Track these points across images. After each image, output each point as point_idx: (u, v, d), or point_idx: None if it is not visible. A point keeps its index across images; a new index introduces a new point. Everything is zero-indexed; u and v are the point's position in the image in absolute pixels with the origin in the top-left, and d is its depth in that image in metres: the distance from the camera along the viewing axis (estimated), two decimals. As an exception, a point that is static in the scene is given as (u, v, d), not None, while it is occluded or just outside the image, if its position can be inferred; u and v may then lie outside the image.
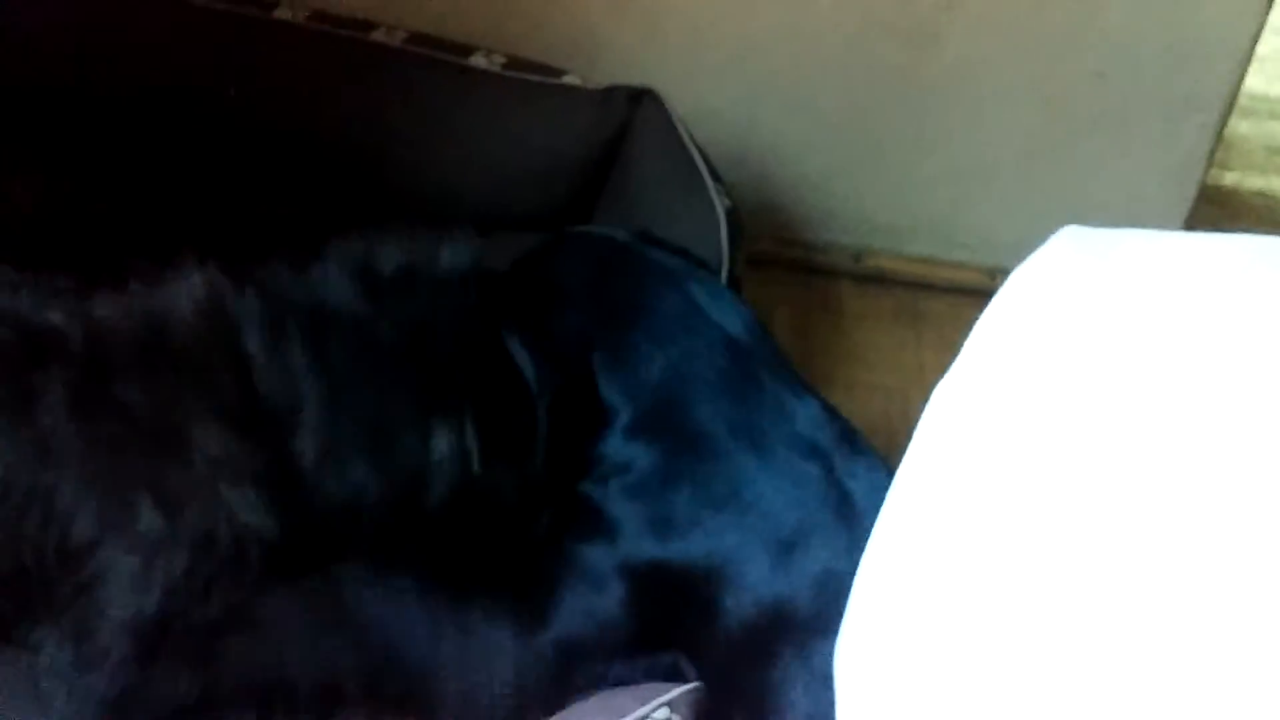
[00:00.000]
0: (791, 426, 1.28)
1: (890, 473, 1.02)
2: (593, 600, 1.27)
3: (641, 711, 1.10)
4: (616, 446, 1.30)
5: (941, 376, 0.98)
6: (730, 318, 1.35)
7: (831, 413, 1.31)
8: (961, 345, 0.98)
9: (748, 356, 1.32)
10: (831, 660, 1.15)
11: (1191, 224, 2.21)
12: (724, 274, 1.61)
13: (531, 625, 1.29)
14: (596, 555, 1.28)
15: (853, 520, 1.21)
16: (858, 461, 1.27)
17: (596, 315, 1.36)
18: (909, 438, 0.98)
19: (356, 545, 1.21)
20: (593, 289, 1.39)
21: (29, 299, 1.24)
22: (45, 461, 1.15)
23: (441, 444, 1.24)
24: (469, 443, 1.25)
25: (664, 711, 1.11)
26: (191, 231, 1.67)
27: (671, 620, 1.26)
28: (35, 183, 1.61)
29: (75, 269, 1.30)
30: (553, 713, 1.18)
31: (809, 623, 1.19)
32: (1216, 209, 2.39)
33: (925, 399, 0.98)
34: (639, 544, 1.26)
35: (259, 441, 1.18)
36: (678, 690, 1.13)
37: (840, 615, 1.14)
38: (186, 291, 1.24)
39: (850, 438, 1.30)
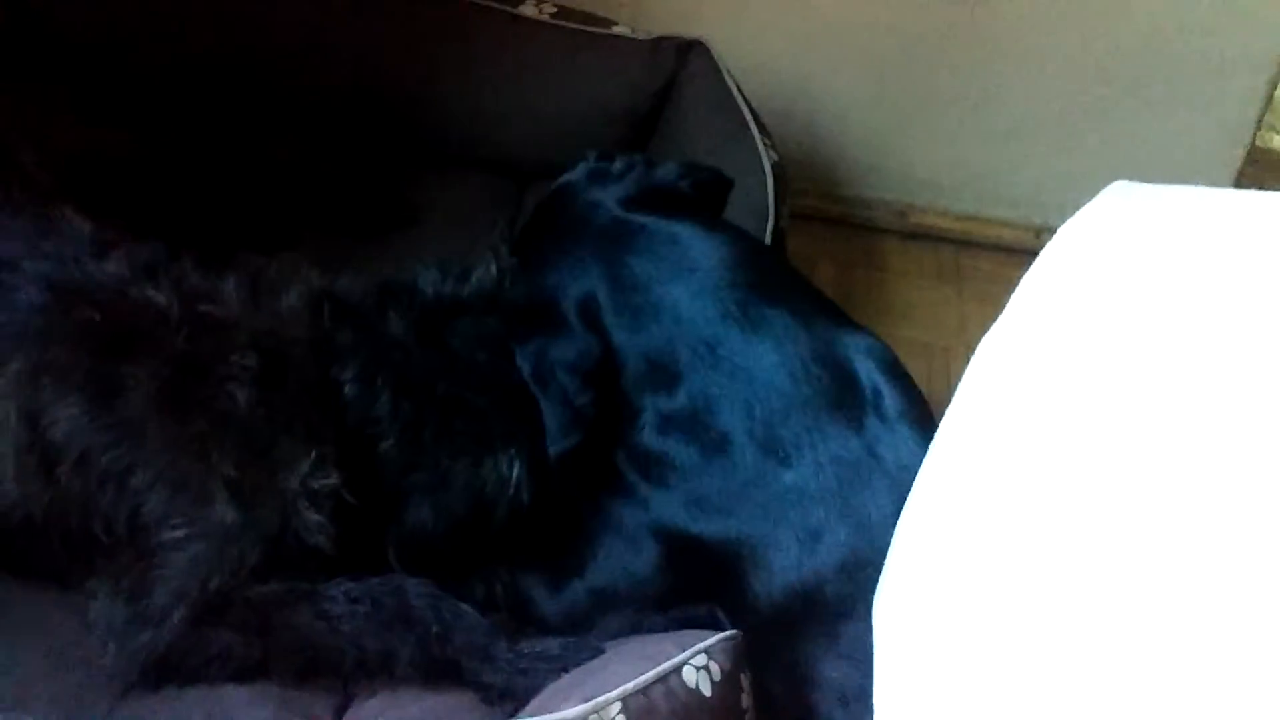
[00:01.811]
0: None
1: (929, 440, 1.02)
2: (628, 557, 1.30)
3: (680, 657, 1.11)
4: (650, 442, 1.30)
5: (984, 334, 0.98)
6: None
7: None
8: (1005, 303, 0.98)
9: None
10: (859, 641, 1.17)
11: (1239, 185, 2.19)
12: (769, 227, 1.61)
13: (567, 574, 1.32)
14: (632, 516, 1.30)
15: (882, 497, 1.22)
16: (892, 430, 1.25)
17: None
18: (950, 394, 0.98)
19: (417, 572, 1.25)
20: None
21: (120, 267, 1.27)
22: (126, 445, 1.18)
23: (492, 477, 1.28)
24: (518, 473, 1.29)
25: (702, 658, 1.12)
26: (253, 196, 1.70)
27: (703, 588, 1.28)
28: (112, 138, 1.64)
29: (165, 238, 1.33)
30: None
31: (835, 606, 1.20)
32: (1264, 171, 2.37)
33: (967, 356, 0.98)
34: (672, 516, 1.27)
35: (339, 468, 1.21)
36: (716, 638, 1.14)
37: (865, 598, 1.14)
38: (292, 312, 1.27)
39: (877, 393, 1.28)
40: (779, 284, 1.33)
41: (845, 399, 1.26)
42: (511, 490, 1.28)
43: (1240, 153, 2.19)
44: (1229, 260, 0.87)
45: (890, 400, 1.26)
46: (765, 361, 1.26)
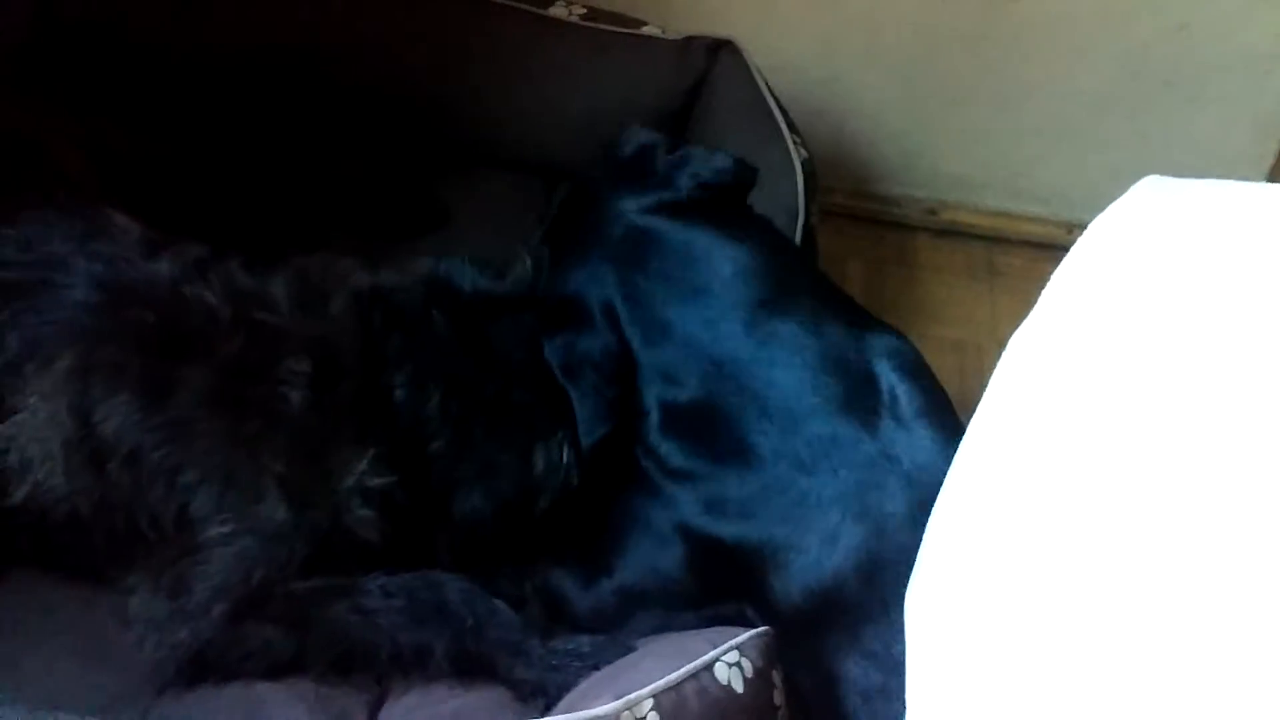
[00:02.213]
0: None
1: (948, 439, 1.02)
2: (655, 555, 1.31)
3: (712, 654, 1.11)
4: (659, 443, 1.31)
5: (1015, 331, 0.98)
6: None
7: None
8: (1036, 300, 0.98)
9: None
10: (880, 642, 1.18)
11: (1272, 181, 2.17)
12: (799, 224, 1.61)
13: (597, 572, 1.33)
14: (658, 515, 1.30)
15: (898, 498, 1.22)
16: (908, 431, 1.26)
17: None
18: (981, 392, 0.98)
19: (463, 562, 1.27)
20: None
21: (171, 268, 1.28)
22: (177, 443, 1.20)
23: (541, 463, 1.30)
24: (567, 457, 1.31)
25: (734, 654, 1.12)
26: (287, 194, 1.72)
27: (729, 588, 1.29)
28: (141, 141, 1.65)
29: (209, 237, 1.35)
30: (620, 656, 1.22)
31: (855, 608, 1.21)
32: (1298, 168, 2.36)
33: (999, 353, 0.98)
34: (693, 516, 1.28)
35: (392, 468, 1.23)
36: (747, 635, 1.15)
37: (884, 599, 1.17)
38: (341, 316, 1.29)
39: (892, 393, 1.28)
40: (796, 291, 1.34)
41: (861, 403, 1.26)
42: (563, 474, 1.30)
43: (1273, 148, 2.18)
44: (1262, 254, 0.87)
45: (907, 401, 1.26)
46: (774, 378, 1.27)
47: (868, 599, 1.20)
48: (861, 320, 1.34)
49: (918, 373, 1.30)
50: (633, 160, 1.46)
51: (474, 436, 1.27)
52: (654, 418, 1.31)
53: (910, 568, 1.03)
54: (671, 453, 1.29)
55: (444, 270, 1.35)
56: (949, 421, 1.25)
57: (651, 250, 1.34)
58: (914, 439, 1.24)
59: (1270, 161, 2.19)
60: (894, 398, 1.27)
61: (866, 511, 1.21)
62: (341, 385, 1.24)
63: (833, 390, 1.26)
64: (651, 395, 1.31)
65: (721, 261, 1.32)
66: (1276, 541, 0.73)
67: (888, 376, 1.28)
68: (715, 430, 1.28)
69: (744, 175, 1.45)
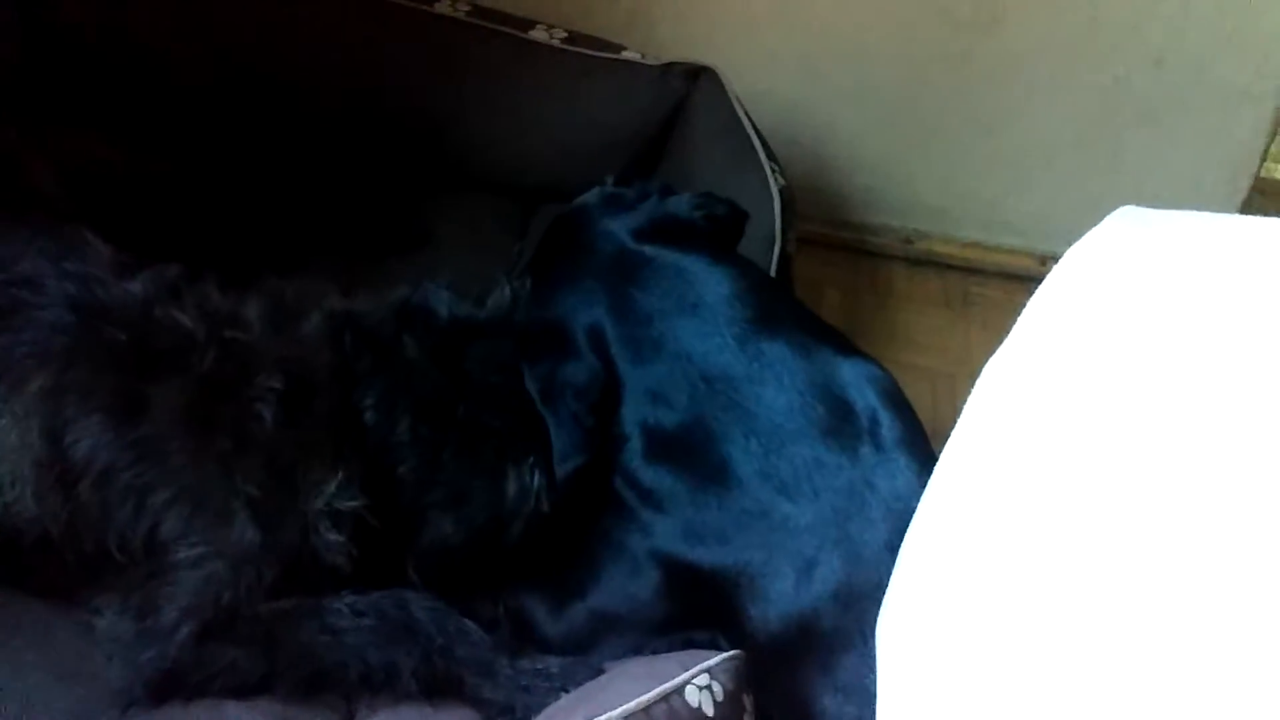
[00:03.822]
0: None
1: (925, 469, 1.02)
2: (628, 580, 1.30)
3: (684, 677, 1.11)
4: (639, 468, 1.30)
5: (988, 360, 0.98)
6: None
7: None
8: (1010, 331, 0.98)
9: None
10: (854, 673, 1.17)
11: (1245, 214, 2.19)
12: (776, 252, 1.61)
13: (569, 595, 1.32)
14: (633, 541, 1.30)
15: (877, 527, 1.21)
16: (888, 459, 1.25)
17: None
18: (954, 421, 0.98)
19: (435, 585, 1.27)
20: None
21: (145, 288, 1.28)
22: (148, 462, 1.19)
23: (513, 487, 1.29)
24: (538, 481, 1.30)
25: (705, 678, 1.12)
26: (268, 216, 1.72)
27: (703, 615, 1.28)
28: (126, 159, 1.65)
29: (188, 257, 1.34)
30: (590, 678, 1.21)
31: (831, 637, 1.20)
32: (1270, 201, 2.38)
33: (972, 383, 0.98)
34: (669, 543, 1.27)
35: (363, 491, 1.22)
36: (719, 658, 1.14)
37: (861, 629, 1.16)
38: (314, 337, 1.28)
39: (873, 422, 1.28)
40: (781, 316, 1.34)
41: (842, 429, 1.26)
42: (533, 500, 1.29)
43: (1246, 183, 2.20)
44: (1235, 285, 0.87)
45: (888, 429, 1.26)
46: (763, 396, 1.27)
47: (845, 628, 1.19)
48: (844, 347, 1.34)
49: (897, 402, 1.29)
50: (623, 191, 1.46)
51: (444, 460, 1.26)
52: (635, 444, 1.30)
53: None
54: (652, 478, 1.29)
55: (420, 296, 1.35)
56: (927, 452, 1.25)
57: (644, 268, 1.34)
58: (893, 468, 1.24)
59: (1243, 195, 2.21)
60: (875, 425, 1.26)
61: (845, 539, 1.21)
62: (313, 404, 1.23)
63: (817, 414, 1.26)
64: (633, 420, 1.30)
65: (714, 281, 1.32)
66: (1244, 574, 0.73)
67: (869, 404, 1.28)
68: (698, 453, 1.27)
69: (736, 218, 1.46)
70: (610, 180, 1.48)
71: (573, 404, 1.29)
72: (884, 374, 1.32)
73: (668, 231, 1.39)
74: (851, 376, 1.29)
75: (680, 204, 1.42)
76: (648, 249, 1.36)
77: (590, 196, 1.47)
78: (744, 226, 1.48)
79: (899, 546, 1.04)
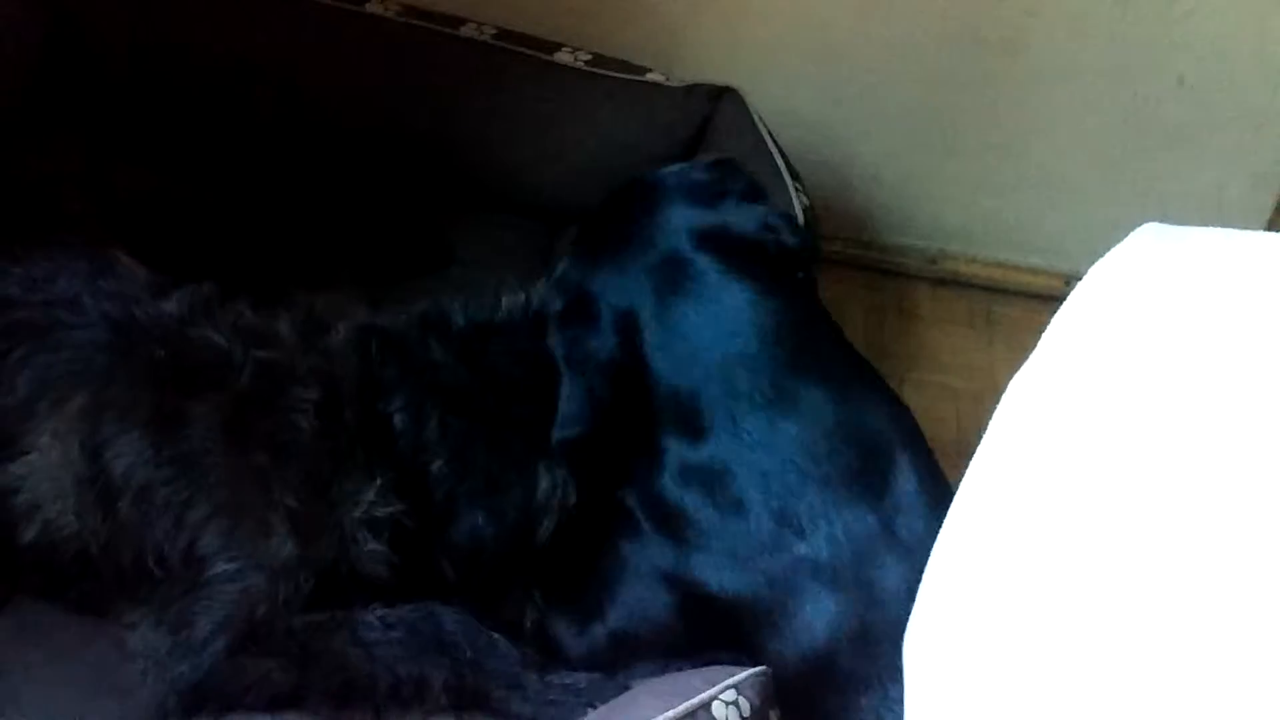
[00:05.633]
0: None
1: (942, 514, 1.02)
2: (644, 602, 1.31)
3: (709, 693, 1.11)
4: (666, 487, 1.30)
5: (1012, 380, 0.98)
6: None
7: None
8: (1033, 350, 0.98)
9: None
10: (874, 715, 1.18)
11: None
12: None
13: (590, 616, 1.33)
14: (644, 562, 1.30)
15: (895, 571, 1.22)
16: (908, 504, 1.26)
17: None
18: (978, 440, 0.98)
19: (469, 586, 1.28)
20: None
21: (179, 307, 1.30)
22: (186, 478, 1.21)
23: (544, 481, 1.30)
24: (566, 476, 1.31)
25: (731, 693, 1.12)
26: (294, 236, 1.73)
27: (721, 642, 1.28)
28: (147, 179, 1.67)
29: (218, 276, 1.36)
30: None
31: (849, 679, 1.21)
32: (1296, 222, 2.37)
33: (996, 402, 0.98)
34: (684, 568, 1.28)
35: (398, 495, 1.24)
36: (745, 673, 1.15)
37: (879, 672, 1.17)
38: (341, 349, 1.30)
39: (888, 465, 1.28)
40: (817, 355, 1.33)
41: (866, 474, 1.26)
42: (561, 493, 1.30)
43: (1271, 201, 2.20)
44: (1261, 302, 0.87)
45: (910, 475, 1.27)
46: (786, 439, 1.27)
47: (863, 671, 1.20)
48: (873, 386, 1.34)
49: (920, 447, 1.30)
50: (705, 179, 1.43)
51: (474, 453, 1.27)
52: (668, 461, 1.30)
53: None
54: (678, 500, 1.28)
55: (436, 306, 1.36)
56: (946, 495, 1.24)
57: (694, 281, 1.33)
58: (915, 514, 1.25)
59: (1268, 214, 2.20)
60: (898, 470, 1.27)
61: (863, 582, 1.21)
62: (344, 414, 1.25)
63: (843, 459, 1.26)
64: (667, 438, 1.30)
65: (759, 314, 1.31)
66: (1266, 582, 0.73)
67: (895, 450, 1.28)
68: (719, 484, 1.27)
69: (806, 253, 1.43)
70: (703, 164, 1.46)
71: (593, 376, 1.30)
72: (909, 417, 1.33)
73: (730, 244, 1.36)
74: (880, 421, 1.30)
75: (754, 218, 1.39)
76: (701, 260, 1.34)
77: (670, 174, 1.44)
78: (812, 257, 1.46)
79: (917, 591, 1.04)
